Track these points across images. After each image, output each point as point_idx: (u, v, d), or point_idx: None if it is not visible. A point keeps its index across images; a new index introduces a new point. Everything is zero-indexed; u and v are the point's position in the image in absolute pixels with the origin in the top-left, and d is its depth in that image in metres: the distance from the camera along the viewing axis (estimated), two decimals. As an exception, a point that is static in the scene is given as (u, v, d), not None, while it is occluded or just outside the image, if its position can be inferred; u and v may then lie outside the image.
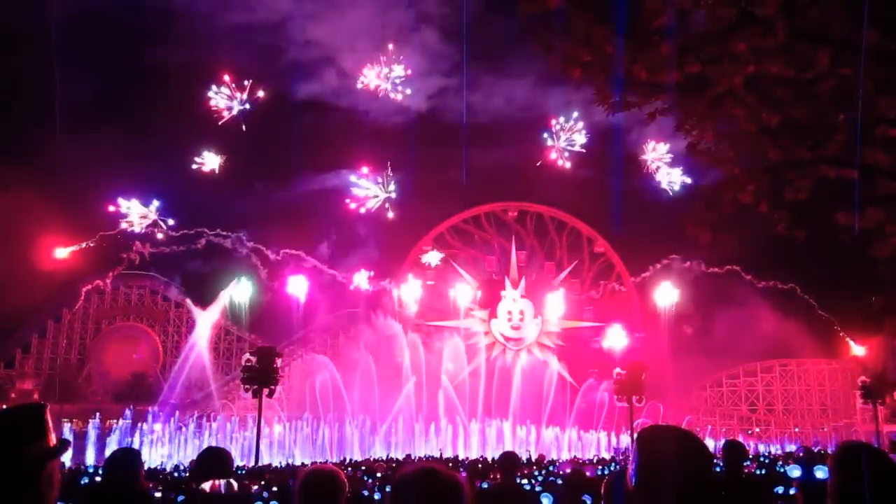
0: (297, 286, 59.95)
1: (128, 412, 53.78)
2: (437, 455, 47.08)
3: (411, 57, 57.73)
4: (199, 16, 50.94)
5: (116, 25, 50.95)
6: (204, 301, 63.78)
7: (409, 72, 54.85)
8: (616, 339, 60.22)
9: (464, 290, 62.97)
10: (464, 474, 22.97)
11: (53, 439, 3.57)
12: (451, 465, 33.82)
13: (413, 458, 41.00)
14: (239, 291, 58.46)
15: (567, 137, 59.97)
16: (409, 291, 62.14)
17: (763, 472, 21.26)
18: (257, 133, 57.73)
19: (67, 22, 49.02)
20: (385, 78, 55.46)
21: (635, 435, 3.28)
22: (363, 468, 29.91)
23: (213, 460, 5.53)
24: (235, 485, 5.14)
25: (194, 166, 57.23)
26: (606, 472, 25.86)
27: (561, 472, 23.14)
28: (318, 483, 4.27)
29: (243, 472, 27.95)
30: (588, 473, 14.24)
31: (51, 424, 3.56)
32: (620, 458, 37.76)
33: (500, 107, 58.49)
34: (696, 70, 7.26)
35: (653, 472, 2.96)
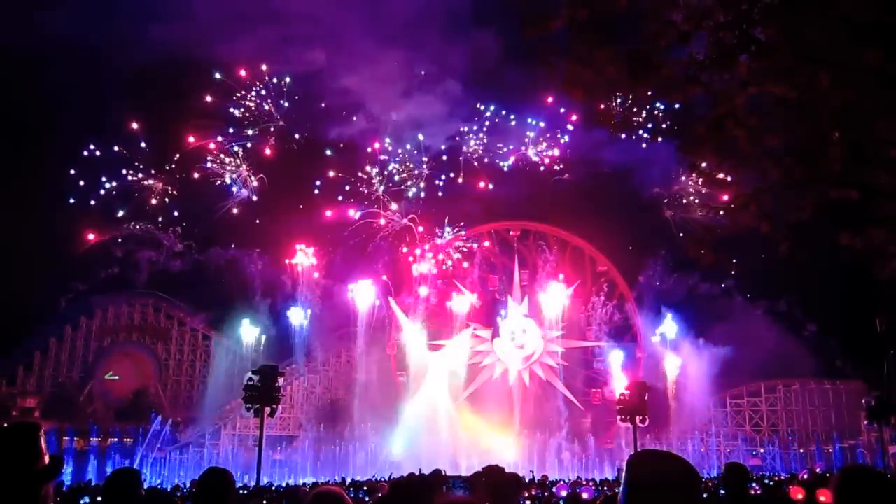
0: (299, 311, 60.04)
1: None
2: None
3: (434, 103, 60.89)
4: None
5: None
6: (208, 319, 63.86)
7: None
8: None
9: (467, 309, 62.92)
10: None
11: (46, 460, 3.55)
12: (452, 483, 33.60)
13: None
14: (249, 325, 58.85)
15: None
16: (413, 310, 62.17)
17: (767, 494, 21.10)
18: (283, 164, 60.35)
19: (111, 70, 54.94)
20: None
21: (624, 460, 3.26)
22: (365, 488, 29.76)
23: (215, 481, 5.52)
24: None
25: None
26: (606, 492, 25.67)
27: (557, 494, 23.01)
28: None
29: (245, 492, 27.86)
30: (586, 496, 14.16)
31: (44, 445, 3.54)
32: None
33: (514, 145, 60.94)
34: (698, 92, 7.30)
35: (643, 494, 2.96)
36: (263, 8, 57.07)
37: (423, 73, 59.67)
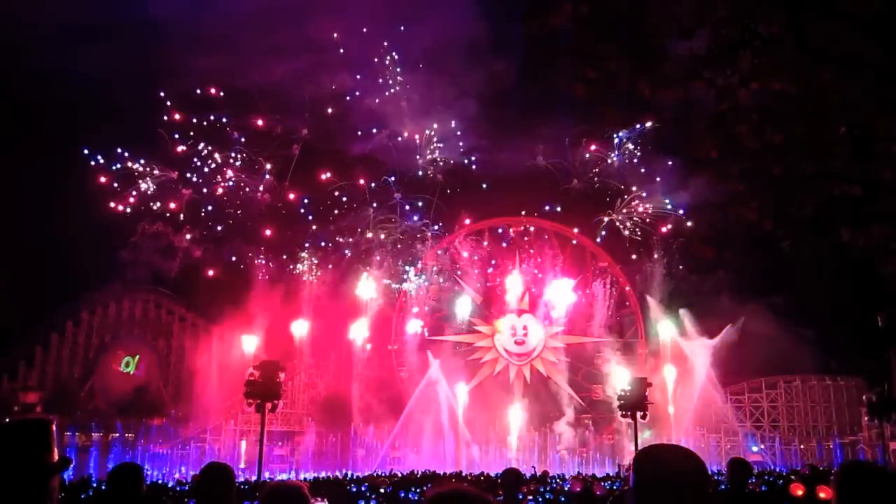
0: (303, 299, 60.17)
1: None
2: (437, 471, 46.87)
3: (451, 119, 64.04)
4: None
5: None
6: (209, 314, 63.90)
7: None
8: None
9: (467, 305, 63.02)
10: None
11: (56, 455, 3.59)
12: (453, 480, 33.71)
13: (416, 474, 40.85)
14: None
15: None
16: (415, 305, 62.34)
17: (767, 489, 21.16)
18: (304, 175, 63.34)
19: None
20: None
21: (632, 455, 3.25)
22: (366, 484, 29.85)
23: (216, 476, 5.52)
24: None
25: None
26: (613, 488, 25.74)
27: (567, 489, 23.05)
28: (282, 498, 4.24)
29: (246, 487, 27.90)
30: (599, 493, 14.19)
31: (55, 440, 3.58)
32: (625, 474, 37.57)
33: (524, 158, 64.83)
34: (700, 87, 7.29)
35: (652, 490, 2.96)
36: (297, 38, 59.38)
37: (441, 93, 62.77)
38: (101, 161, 60.41)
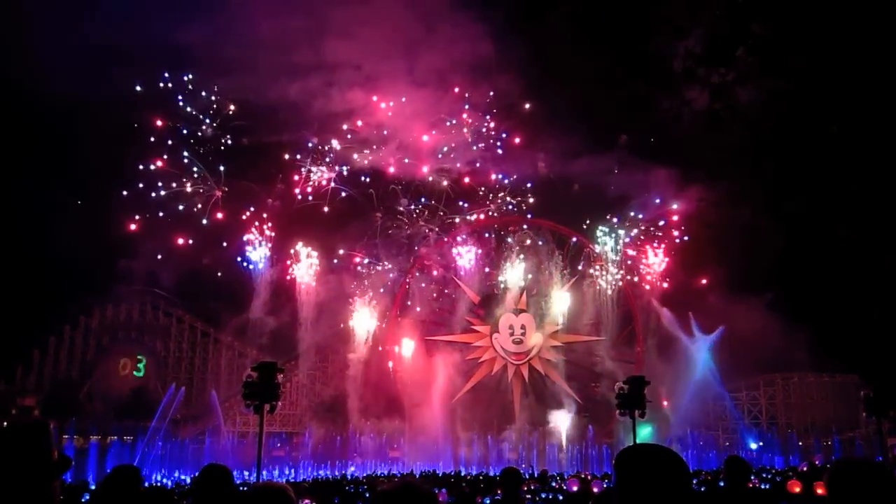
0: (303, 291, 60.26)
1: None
2: (437, 471, 46.95)
3: (457, 134, 66.47)
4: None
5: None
6: (206, 316, 63.94)
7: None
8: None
9: (464, 304, 63.07)
10: (466, 489, 22.85)
11: (56, 456, 3.60)
12: (452, 480, 33.75)
13: (415, 474, 40.91)
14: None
15: None
16: (413, 305, 62.37)
17: (766, 486, 21.21)
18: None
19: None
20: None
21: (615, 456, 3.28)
22: (364, 485, 29.90)
23: (214, 478, 5.52)
24: None
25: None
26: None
27: (564, 488, 23.12)
28: (266, 498, 4.23)
29: (245, 489, 27.92)
30: (595, 490, 14.20)
31: (54, 441, 3.59)
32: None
33: (528, 168, 67.42)
34: (696, 86, 7.32)
35: (634, 490, 2.98)
36: (312, 59, 61.96)
37: (447, 111, 65.27)
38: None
